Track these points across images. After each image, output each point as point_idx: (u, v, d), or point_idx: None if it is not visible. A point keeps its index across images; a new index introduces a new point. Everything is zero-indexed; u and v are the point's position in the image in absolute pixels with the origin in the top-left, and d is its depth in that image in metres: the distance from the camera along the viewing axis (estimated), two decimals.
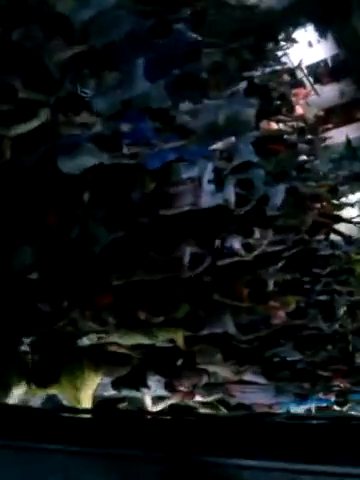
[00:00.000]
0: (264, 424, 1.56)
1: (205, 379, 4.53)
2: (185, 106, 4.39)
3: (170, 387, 4.40)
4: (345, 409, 6.89)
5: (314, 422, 1.60)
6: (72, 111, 3.49)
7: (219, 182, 4.79)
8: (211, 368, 4.69)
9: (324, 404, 6.62)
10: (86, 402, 3.46)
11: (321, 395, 6.33)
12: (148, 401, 4.40)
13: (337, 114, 10.59)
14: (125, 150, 3.90)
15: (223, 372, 4.90)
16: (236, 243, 4.98)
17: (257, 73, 6.55)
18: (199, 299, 4.55)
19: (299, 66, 8.42)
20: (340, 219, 8.00)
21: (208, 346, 4.56)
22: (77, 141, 3.88)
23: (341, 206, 8.51)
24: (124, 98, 3.97)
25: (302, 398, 5.92)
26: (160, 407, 4.47)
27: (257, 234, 5.20)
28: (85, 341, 3.77)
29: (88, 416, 1.82)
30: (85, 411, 2.18)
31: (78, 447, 1.44)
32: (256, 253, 5.24)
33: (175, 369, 4.26)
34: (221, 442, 1.35)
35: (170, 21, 4.06)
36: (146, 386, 4.08)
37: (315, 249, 7.34)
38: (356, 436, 1.37)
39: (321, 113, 9.74)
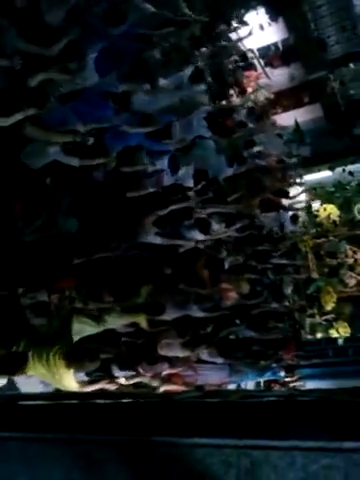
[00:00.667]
0: (215, 402, 1.63)
1: (166, 367, 4.68)
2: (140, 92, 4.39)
3: (137, 373, 4.62)
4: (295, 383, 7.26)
5: (263, 399, 1.68)
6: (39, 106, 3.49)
7: (175, 169, 4.87)
8: (171, 352, 4.83)
9: (277, 378, 6.92)
10: (72, 386, 3.61)
11: (273, 369, 6.61)
12: (122, 380, 4.60)
13: (287, 97, 10.77)
14: (81, 128, 3.90)
15: (182, 353, 5.03)
16: (195, 231, 5.10)
17: (209, 53, 6.55)
18: (161, 284, 4.67)
19: (250, 34, 8.20)
20: (287, 195, 8.09)
21: (169, 328, 4.69)
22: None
23: (290, 185, 8.71)
24: (75, 88, 3.92)
25: (257, 373, 6.19)
26: (133, 381, 4.68)
27: (215, 223, 5.36)
28: None
29: (45, 403, 1.84)
30: (43, 397, 2.20)
31: (36, 434, 1.46)
32: (214, 237, 5.41)
33: (138, 361, 4.39)
34: (174, 422, 1.40)
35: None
36: (114, 376, 4.22)
37: (267, 233, 7.56)
38: (303, 411, 1.45)
39: (271, 96, 9.87)
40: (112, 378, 4.38)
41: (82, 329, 4.06)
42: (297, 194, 8.74)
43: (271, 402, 1.60)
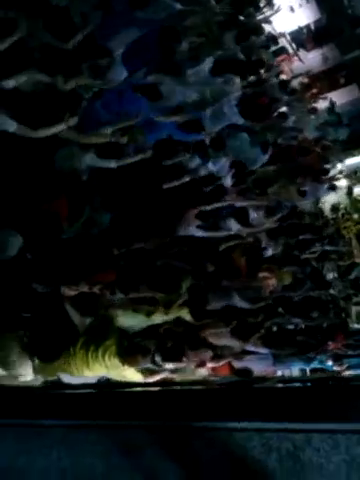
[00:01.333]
0: (254, 387, 1.61)
1: (210, 355, 4.64)
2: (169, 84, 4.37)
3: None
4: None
5: (301, 384, 1.65)
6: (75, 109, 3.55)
7: (205, 156, 4.82)
8: (219, 341, 4.79)
9: (325, 367, 6.82)
10: (136, 378, 3.65)
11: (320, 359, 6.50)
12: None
13: (321, 80, 10.50)
14: (115, 126, 3.91)
15: (230, 343, 4.99)
16: (232, 221, 5.05)
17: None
18: (201, 277, 4.66)
19: (277, 11, 7.85)
20: (326, 172, 7.76)
21: (215, 319, 4.66)
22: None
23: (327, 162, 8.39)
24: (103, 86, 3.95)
25: (303, 363, 6.10)
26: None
27: (253, 212, 5.29)
28: None
29: (86, 391, 1.87)
30: (84, 386, 2.24)
31: (78, 421, 1.48)
32: (254, 229, 5.36)
33: (181, 350, 4.39)
34: (213, 407, 1.39)
35: None
36: (159, 365, 4.24)
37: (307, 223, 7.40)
38: (345, 394, 1.41)
39: (306, 80, 9.62)
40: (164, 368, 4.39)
41: (126, 324, 4.10)
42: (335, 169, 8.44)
43: (311, 386, 1.56)
